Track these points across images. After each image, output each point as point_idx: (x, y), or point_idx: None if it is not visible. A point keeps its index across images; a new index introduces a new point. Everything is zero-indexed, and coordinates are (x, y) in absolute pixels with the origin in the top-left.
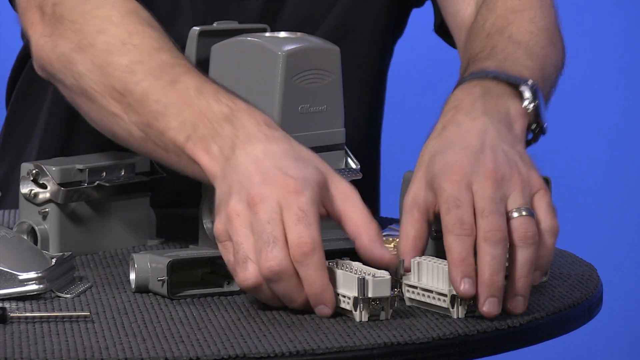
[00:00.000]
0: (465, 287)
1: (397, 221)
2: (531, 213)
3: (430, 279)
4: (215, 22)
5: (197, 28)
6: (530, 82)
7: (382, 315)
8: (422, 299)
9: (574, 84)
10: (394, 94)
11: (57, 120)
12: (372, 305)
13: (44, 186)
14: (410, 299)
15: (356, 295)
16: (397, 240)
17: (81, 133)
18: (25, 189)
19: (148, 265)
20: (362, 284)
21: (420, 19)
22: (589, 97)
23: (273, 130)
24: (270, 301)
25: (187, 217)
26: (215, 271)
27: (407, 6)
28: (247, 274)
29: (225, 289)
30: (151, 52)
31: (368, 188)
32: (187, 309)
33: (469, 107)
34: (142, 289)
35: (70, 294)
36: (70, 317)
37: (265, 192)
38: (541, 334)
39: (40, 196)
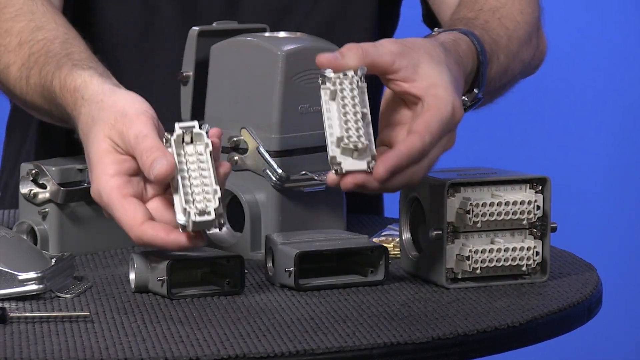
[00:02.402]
0: (384, 176)
1: (397, 221)
2: None
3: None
4: (215, 22)
5: (196, 28)
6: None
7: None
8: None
9: (574, 83)
10: None
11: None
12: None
13: (43, 186)
14: (321, 104)
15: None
16: (397, 240)
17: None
18: (25, 189)
19: (148, 265)
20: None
21: (415, 11)
22: (588, 97)
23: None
24: None
25: None
26: (215, 271)
27: None
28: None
29: (225, 289)
30: (15, 51)
31: None
32: (187, 309)
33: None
34: (142, 289)
35: (70, 294)
36: (70, 317)
37: None
38: (541, 334)
39: (40, 196)
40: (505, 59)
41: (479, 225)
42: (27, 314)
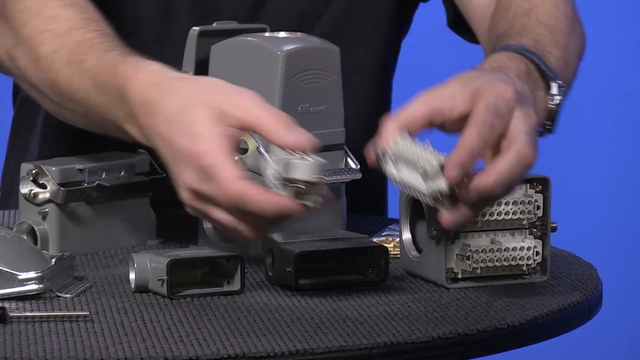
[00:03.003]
0: (453, 173)
1: (397, 221)
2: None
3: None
4: (215, 22)
5: (196, 28)
6: (560, 82)
7: (310, 201)
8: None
9: (574, 84)
10: (400, 93)
11: (52, 127)
12: (298, 188)
13: (43, 186)
14: (393, 175)
15: (284, 175)
16: (397, 240)
17: (76, 136)
18: (25, 189)
19: (148, 265)
20: (287, 165)
21: (427, 16)
22: (589, 97)
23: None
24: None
25: (187, 217)
26: (215, 271)
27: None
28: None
29: (225, 288)
30: (65, 35)
31: (375, 188)
32: (187, 309)
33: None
34: (142, 288)
35: (70, 293)
36: (70, 316)
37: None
38: (541, 333)
39: (40, 196)
40: (558, 51)
41: (479, 225)
42: (27, 314)
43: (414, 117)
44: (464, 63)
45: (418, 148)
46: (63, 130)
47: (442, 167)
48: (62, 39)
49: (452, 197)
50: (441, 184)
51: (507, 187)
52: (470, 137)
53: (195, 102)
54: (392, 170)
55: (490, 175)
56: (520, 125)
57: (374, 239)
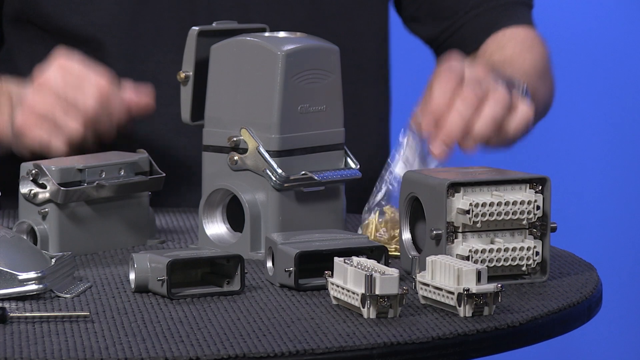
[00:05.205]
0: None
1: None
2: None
3: (441, 277)
4: (215, 22)
5: (196, 28)
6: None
7: (391, 313)
8: (434, 297)
9: (574, 83)
10: (399, 94)
11: None
12: (380, 302)
13: (43, 186)
14: (424, 297)
15: (364, 292)
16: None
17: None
18: (25, 189)
19: (148, 265)
20: (370, 280)
21: None
22: (588, 97)
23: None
24: None
25: (187, 217)
26: (215, 271)
27: None
28: None
29: (225, 289)
30: None
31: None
32: (186, 309)
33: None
34: (142, 288)
35: (70, 294)
36: (70, 317)
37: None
38: (541, 334)
39: (40, 196)
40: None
41: (479, 225)
42: (27, 314)
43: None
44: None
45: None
46: None
47: None
48: None
49: None
50: None
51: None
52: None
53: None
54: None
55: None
56: (476, 70)
57: (372, 216)
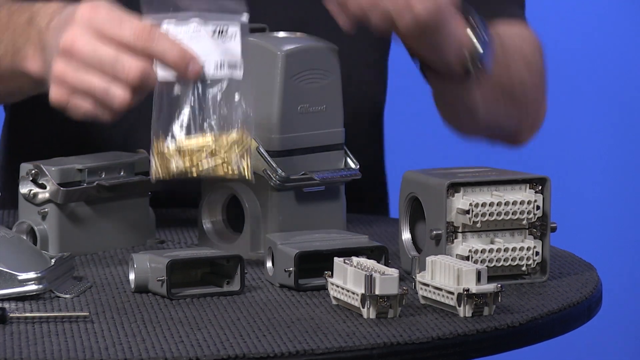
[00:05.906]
0: None
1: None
2: None
3: (441, 277)
4: None
5: None
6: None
7: (391, 313)
8: (434, 297)
9: (573, 83)
10: (397, 95)
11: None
12: (380, 302)
13: (43, 186)
14: (424, 297)
15: (363, 292)
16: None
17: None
18: (25, 189)
19: (147, 265)
20: (370, 280)
21: None
22: (588, 97)
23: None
24: None
25: (187, 217)
26: (215, 271)
27: None
28: None
29: (225, 289)
30: None
31: (375, 188)
32: (186, 309)
33: None
34: (142, 289)
35: (70, 294)
36: (70, 317)
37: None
38: (541, 334)
39: (40, 196)
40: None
41: (478, 225)
42: (27, 314)
43: None
44: None
45: None
46: (62, 130)
47: None
48: None
49: None
50: None
51: None
52: None
53: None
54: None
55: None
56: None
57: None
